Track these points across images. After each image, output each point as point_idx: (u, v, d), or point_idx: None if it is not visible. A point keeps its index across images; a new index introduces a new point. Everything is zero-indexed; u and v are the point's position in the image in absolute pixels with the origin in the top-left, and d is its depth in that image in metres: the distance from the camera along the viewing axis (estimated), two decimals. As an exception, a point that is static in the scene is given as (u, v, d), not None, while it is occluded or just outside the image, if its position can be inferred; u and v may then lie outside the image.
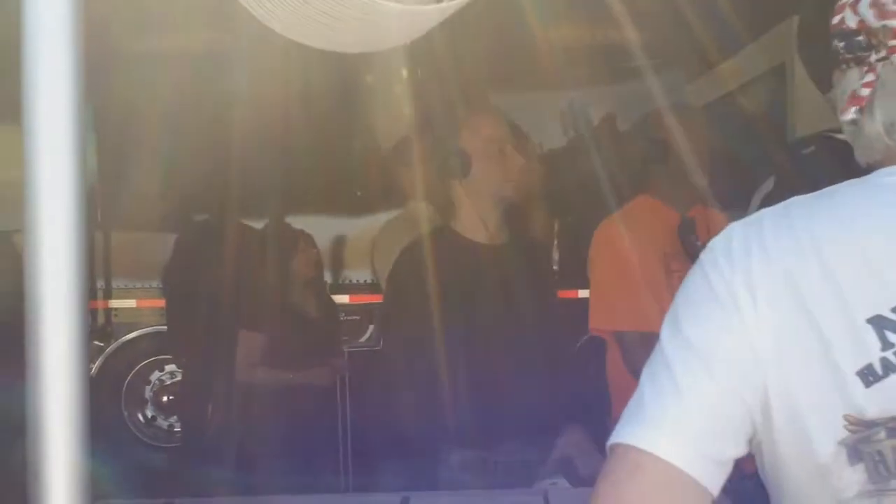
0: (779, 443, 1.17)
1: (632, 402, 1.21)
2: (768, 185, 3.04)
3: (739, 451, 1.18)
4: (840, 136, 1.82)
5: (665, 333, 1.23)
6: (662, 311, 3.05)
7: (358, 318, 6.29)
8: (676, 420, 1.16)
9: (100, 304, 6.78)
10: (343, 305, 6.28)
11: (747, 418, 1.17)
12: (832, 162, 1.81)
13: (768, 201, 1.90)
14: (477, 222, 2.91)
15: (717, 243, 1.23)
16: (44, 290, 1.07)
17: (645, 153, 3.12)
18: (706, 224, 3.08)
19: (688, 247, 3.06)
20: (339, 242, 6.99)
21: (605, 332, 3.12)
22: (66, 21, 1.09)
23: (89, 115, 5.40)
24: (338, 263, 6.99)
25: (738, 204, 3.11)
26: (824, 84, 1.95)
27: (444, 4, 1.42)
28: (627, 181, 3.23)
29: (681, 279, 3.06)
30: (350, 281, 6.85)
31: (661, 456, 1.15)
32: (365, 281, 6.55)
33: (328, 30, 1.51)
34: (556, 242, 6.32)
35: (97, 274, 6.74)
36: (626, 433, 1.18)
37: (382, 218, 5.00)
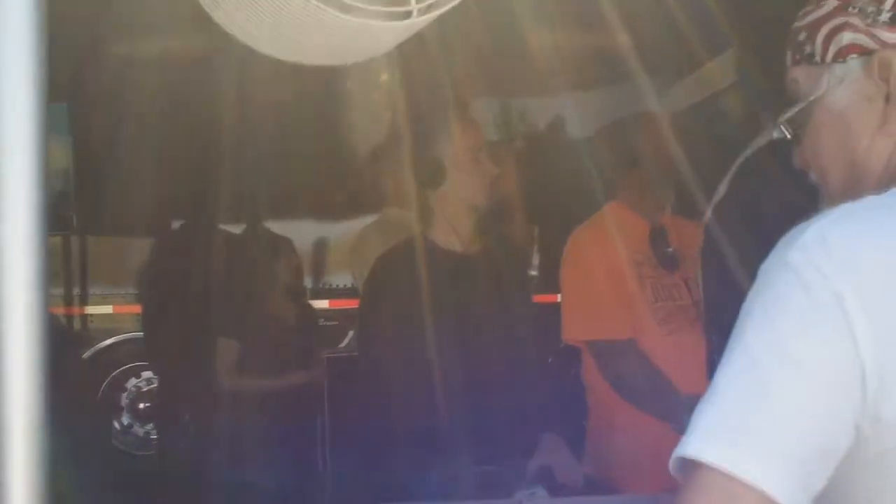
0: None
1: (708, 412, 1.03)
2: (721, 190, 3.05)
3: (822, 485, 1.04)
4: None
5: (754, 339, 1.05)
6: (635, 319, 3.08)
7: (337, 322, 6.29)
8: (776, 445, 1.00)
9: (75, 310, 6.75)
10: (323, 310, 6.28)
11: (844, 444, 1.03)
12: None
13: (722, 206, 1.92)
14: (451, 231, 2.92)
15: (808, 242, 1.06)
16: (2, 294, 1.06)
17: (614, 161, 3.13)
18: (677, 231, 3.10)
19: (659, 254, 3.08)
20: (319, 247, 6.99)
21: (579, 342, 3.13)
22: (27, 22, 1.08)
23: (65, 118, 5.39)
24: (318, 268, 6.99)
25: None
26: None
27: (411, 21, 1.42)
28: (598, 188, 3.24)
29: (653, 286, 3.10)
30: (330, 286, 6.85)
31: (763, 488, 0.98)
32: (345, 286, 6.55)
33: (295, 42, 1.52)
34: (535, 247, 6.35)
35: (73, 280, 6.71)
36: (714, 452, 1.00)
37: (362, 223, 5.00)
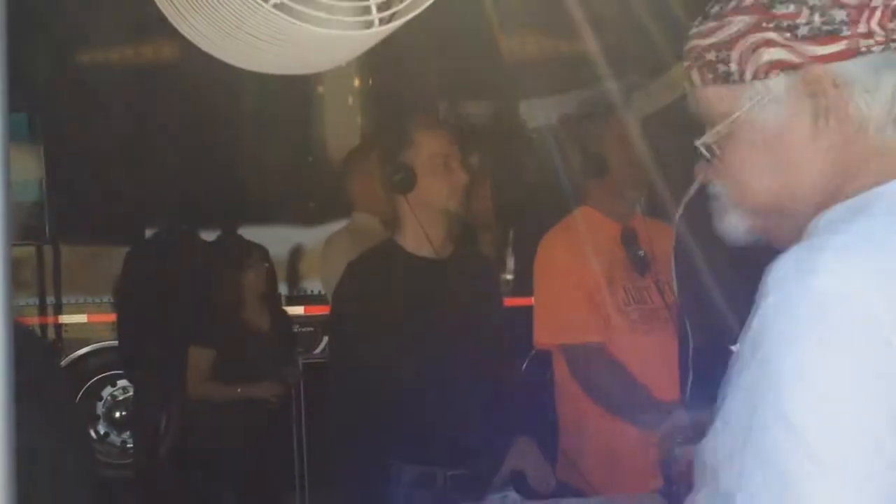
0: None
1: None
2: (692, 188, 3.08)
3: None
4: None
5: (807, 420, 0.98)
6: (607, 323, 3.07)
7: (312, 329, 6.29)
8: None
9: (49, 319, 6.72)
10: (298, 317, 6.28)
11: None
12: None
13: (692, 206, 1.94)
14: (422, 237, 2.92)
15: (866, 289, 1.01)
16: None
17: (583, 165, 3.13)
18: (648, 234, 3.11)
19: (630, 257, 3.08)
20: (293, 253, 6.98)
21: (551, 346, 3.14)
22: None
23: (37, 127, 5.36)
24: (293, 274, 6.98)
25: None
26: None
27: (374, 30, 1.43)
28: (568, 191, 3.25)
29: (625, 289, 3.11)
30: (305, 292, 6.84)
31: None
32: (320, 292, 6.55)
33: (257, 51, 1.52)
34: (509, 250, 6.37)
35: (46, 289, 6.68)
36: None
37: (336, 229, 5.00)
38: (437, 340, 2.86)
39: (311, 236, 6.51)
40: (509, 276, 6.11)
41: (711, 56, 1.21)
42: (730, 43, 1.20)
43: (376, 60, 2.02)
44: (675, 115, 4.40)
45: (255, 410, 4.53)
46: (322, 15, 1.41)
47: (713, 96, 1.23)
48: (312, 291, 6.66)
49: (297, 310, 6.36)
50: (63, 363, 6.56)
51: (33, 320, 6.70)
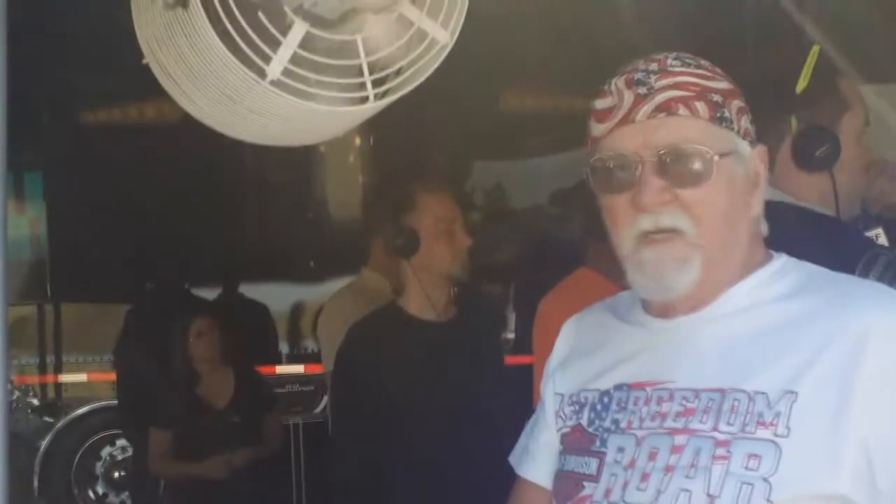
0: None
1: None
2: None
3: None
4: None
5: None
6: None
7: (312, 388, 6.27)
8: None
9: (50, 378, 6.70)
10: (297, 375, 6.26)
11: None
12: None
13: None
14: (425, 300, 2.91)
15: None
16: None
17: (583, 226, 3.13)
18: (649, 297, 3.09)
19: (631, 321, 3.07)
20: (294, 311, 6.98)
21: (551, 409, 3.11)
22: None
23: (39, 186, 5.37)
24: (293, 333, 6.97)
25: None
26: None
27: (369, 105, 1.44)
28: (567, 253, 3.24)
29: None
30: (305, 350, 6.82)
31: None
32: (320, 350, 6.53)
33: (255, 125, 1.53)
34: (509, 307, 6.36)
35: (47, 348, 6.67)
36: None
37: (335, 288, 4.99)
38: (439, 404, 2.85)
39: (312, 294, 6.51)
40: (510, 335, 6.11)
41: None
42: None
43: (377, 119, 2.04)
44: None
45: (252, 472, 4.42)
46: (318, 91, 1.43)
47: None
48: (312, 350, 6.64)
49: (296, 368, 6.35)
50: (63, 422, 6.54)
51: (33, 379, 6.69)
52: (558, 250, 3.37)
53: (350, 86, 1.45)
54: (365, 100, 1.46)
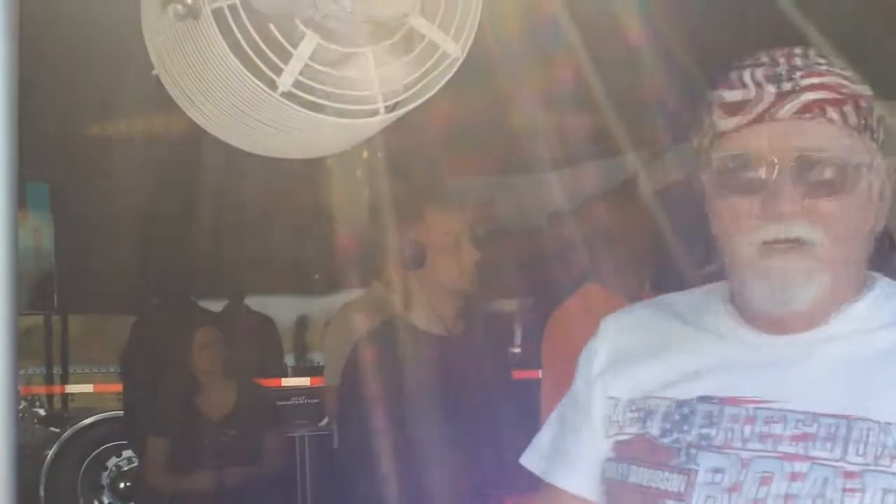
0: None
1: None
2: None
3: None
4: None
5: None
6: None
7: (318, 400, 6.25)
8: None
9: (56, 389, 6.70)
10: (303, 388, 6.24)
11: None
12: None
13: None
14: (432, 314, 2.90)
15: None
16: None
17: (591, 242, 3.12)
18: (657, 313, 3.08)
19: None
20: (299, 324, 6.98)
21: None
22: None
23: (46, 197, 5.38)
24: (299, 345, 6.97)
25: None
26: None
27: (379, 118, 1.44)
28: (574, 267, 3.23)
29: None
30: (311, 363, 6.82)
31: None
32: (326, 363, 6.52)
33: (264, 137, 1.53)
34: (517, 323, 6.35)
35: (53, 358, 6.68)
36: None
37: (340, 301, 4.99)
38: (446, 417, 2.84)
39: (317, 307, 6.51)
40: (517, 350, 6.09)
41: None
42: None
43: (385, 133, 2.04)
44: (683, 191, 4.42)
45: (258, 484, 4.38)
46: (329, 103, 1.42)
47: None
48: (318, 363, 6.64)
49: (302, 381, 6.33)
50: (69, 433, 6.54)
51: (40, 389, 6.69)
52: (565, 266, 3.36)
53: (360, 98, 1.44)
54: (375, 112, 1.45)
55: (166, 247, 5.98)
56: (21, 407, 6.37)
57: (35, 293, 6.24)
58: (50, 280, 6.37)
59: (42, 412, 6.65)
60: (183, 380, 4.28)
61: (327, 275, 6.28)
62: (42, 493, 6.31)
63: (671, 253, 3.10)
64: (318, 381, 6.34)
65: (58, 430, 6.52)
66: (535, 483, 1.48)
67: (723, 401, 1.27)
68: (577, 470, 1.40)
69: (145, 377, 5.39)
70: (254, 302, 6.72)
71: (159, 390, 4.45)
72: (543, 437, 1.50)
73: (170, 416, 4.31)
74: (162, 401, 4.44)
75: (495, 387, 3.00)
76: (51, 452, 6.41)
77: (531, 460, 1.49)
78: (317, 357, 6.71)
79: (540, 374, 3.19)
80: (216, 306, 6.60)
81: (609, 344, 1.45)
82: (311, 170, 5.97)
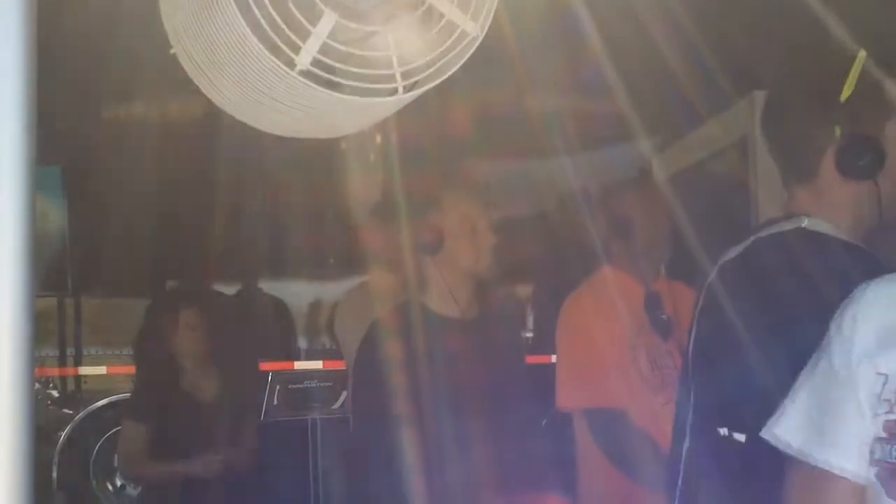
0: None
1: None
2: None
3: None
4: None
5: None
6: (630, 388, 3.04)
7: (331, 384, 6.26)
8: None
9: (69, 371, 6.72)
10: (316, 371, 6.25)
11: None
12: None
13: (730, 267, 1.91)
14: (448, 297, 2.90)
15: None
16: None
17: (607, 226, 3.12)
18: (672, 297, 3.08)
19: (654, 321, 3.05)
20: (312, 308, 6.97)
21: (573, 410, 3.10)
22: (15, 84, 1.07)
23: (59, 180, 5.38)
24: (312, 329, 6.97)
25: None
26: (785, 158, 1.98)
27: (397, 97, 1.43)
28: (591, 252, 3.23)
29: (647, 354, 3.07)
30: (324, 347, 6.82)
31: None
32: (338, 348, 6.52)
33: (281, 116, 1.52)
34: (531, 308, 6.34)
35: (67, 341, 6.69)
36: None
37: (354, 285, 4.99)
38: (460, 400, 2.84)
39: (330, 291, 6.50)
40: (529, 335, 6.09)
41: None
42: None
43: (400, 118, 2.03)
44: (700, 174, 4.40)
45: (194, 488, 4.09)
46: (347, 82, 1.41)
47: None
48: (331, 346, 6.64)
49: (315, 364, 6.34)
50: (82, 414, 6.55)
51: (53, 371, 6.71)
52: (581, 250, 3.35)
53: (379, 77, 1.43)
54: (393, 91, 1.44)
55: (181, 230, 5.98)
56: (35, 389, 6.39)
57: (49, 275, 6.25)
58: (64, 263, 6.38)
59: (55, 394, 6.67)
60: (166, 363, 4.19)
61: (341, 259, 6.28)
62: (55, 474, 6.33)
63: (685, 238, 3.09)
64: (331, 365, 6.36)
65: (71, 412, 6.54)
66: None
67: None
68: (841, 449, 1.34)
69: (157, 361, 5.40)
70: (267, 285, 6.73)
71: (143, 374, 4.33)
72: (792, 414, 1.42)
73: (150, 399, 4.17)
74: (140, 383, 4.36)
75: (509, 370, 3.00)
76: (64, 434, 6.43)
77: (780, 437, 1.42)
78: (329, 341, 6.71)
79: (553, 358, 3.19)
80: (230, 290, 6.62)
81: (875, 317, 1.38)
82: (327, 154, 5.96)
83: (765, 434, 1.43)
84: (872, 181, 1.84)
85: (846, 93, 1.82)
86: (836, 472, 1.34)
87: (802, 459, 1.38)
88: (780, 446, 1.41)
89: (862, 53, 1.85)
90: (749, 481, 1.74)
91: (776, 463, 1.65)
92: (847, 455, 1.33)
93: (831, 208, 1.88)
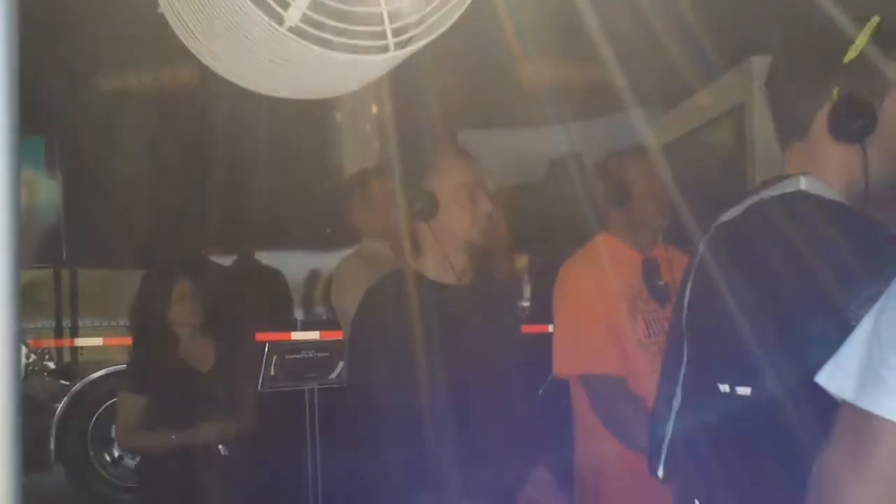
0: None
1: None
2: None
3: None
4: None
5: None
6: (627, 355, 3.03)
7: (328, 354, 6.26)
8: None
9: (65, 342, 6.71)
10: (313, 342, 6.24)
11: None
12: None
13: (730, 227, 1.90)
14: (444, 264, 2.89)
15: None
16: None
17: (605, 194, 3.10)
18: (669, 264, 3.07)
19: (651, 288, 3.04)
20: (309, 278, 6.97)
21: (570, 376, 3.09)
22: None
23: (55, 151, 5.34)
24: (308, 299, 6.96)
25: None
26: (785, 124, 1.96)
27: (389, 55, 1.40)
28: (588, 218, 3.21)
29: (646, 321, 3.06)
30: (321, 317, 6.81)
31: None
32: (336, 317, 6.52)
33: (271, 75, 1.50)
34: (526, 276, 6.33)
35: (63, 312, 6.69)
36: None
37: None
38: (456, 367, 2.83)
39: (328, 261, 6.49)
40: (526, 303, 6.09)
41: None
42: None
43: (394, 86, 2.01)
44: (696, 142, 4.38)
45: (192, 456, 4.09)
46: (337, 39, 1.39)
47: None
48: (328, 317, 6.63)
49: (312, 335, 6.34)
50: (78, 386, 6.56)
51: (49, 343, 6.70)
52: (577, 218, 3.34)
53: (370, 34, 1.41)
54: (385, 49, 1.42)
55: (176, 200, 5.96)
56: (31, 360, 6.39)
57: (44, 246, 6.24)
58: (59, 233, 6.37)
59: (52, 365, 6.67)
60: (160, 333, 4.17)
61: (338, 229, 6.27)
62: (52, 445, 6.34)
63: (681, 206, 3.07)
64: (328, 335, 6.36)
65: (67, 384, 6.54)
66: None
67: None
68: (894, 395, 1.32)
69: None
70: (264, 256, 6.72)
71: (139, 344, 4.29)
72: (848, 359, 1.39)
73: (145, 370, 4.16)
74: (135, 354, 4.31)
75: (505, 337, 2.99)
76: (61, 405, 6.44)
77: (833, 383, 1.40)
78: (326, 311, 6.71)
79: (550, 328, 3.18)
80: (227, 260, 6.62)
81: None
82: (323, 124, 5.94)
83: (819, 379, 1.41)
84: (860, 146, 1.83)
85: (850, 55, 1.81)
86: (891, 418, 1.32)
87: (856, 405, 1.36)
88: (834, 390, 1.39)
89: (876, 19, 1.83)
90: (755, 435, 1.74)
91: (784, 415, 1.64)
92: None
93: (823, 169, 1.87)
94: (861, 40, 1.81)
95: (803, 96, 1.89)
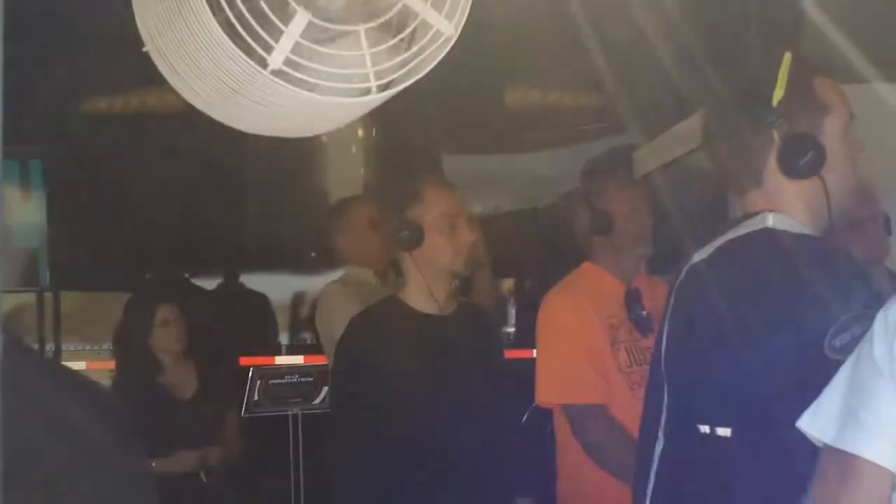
0: None
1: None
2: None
3: None
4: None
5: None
6: (609, 384, 3.04)
7: (312, 379, 6.24)
8: None
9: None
10: (298, 366, 6.23)
11: None
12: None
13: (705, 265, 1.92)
14: (426, 294, 2.90)
15: None
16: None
17: (589, 222, 3.12)
18: (652, 293, 3.08)
19: (633, 317, 3.06)
20: (294, 302, 6.97)
21: (553, 406, 3.10)
22: None
23: (39, 174, 5.32)
24: (293, 324, 6.96)
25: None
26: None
27: (371, 97, 1.42)
28: (571, 249, 3.23)
29: (628, 350, 3.08)
30: (305, 341, 6.81)
31: None
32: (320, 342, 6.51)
33: (256, 115, 1.51)
34: (511, 301, 6.34)
35: (46, 336, 6.65)
36: None
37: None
38: (439, 395, 2.84)
39: (313, 285, 6.49)
40: (510, 329, 6.10)
41: None
42: None
43: (380, 111, 2.02)
44: (679, 171, 4.40)
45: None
46: (320, 82, 1.40)
47: None
48: (312, 341, 6.63)
49: (296, 359, 6.33)
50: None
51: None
52: (561, 246, 3.35)
53: (352, 77, 1.42)
54: (367, 91, 1.43)
55: (161, 224, 5.95)
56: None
57: (27, 270, 6.21)
58: (42, 257, 6.34)
59: (35, 389, 6.63)
60: (144, 358, 4.15)
61: (323, 253, 6.27)
62: (35, 469, 6.30)
63: (666, 234, 3.09)
64: (312, 360, 6.35)
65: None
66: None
67: None
68: (877, 437, 1.36)
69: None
70: (248, 279, 6.71)
71: (122, 369, 4.26)
72: (828, 404, 1.43)
73: (132, 396, 4.06)
74: (120, 380, 4.27)
75: (488, 366, 3.00)
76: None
77: (814, 427, 1.43)
78: (311, 335, 6.70)
79: (533, 353, 3.19)
80: (210, 284, 6.61)
81: None
82: (309, 148, 5.95)
83: (800, 424, 1.44)
84: (817, 177, 1.85)
85: (778, 94, 1.85)
86: (870, 458, 1.36)
87: (836, 447, 1.39)
88: (815, 433, 1.43)
89: (788, 55, 1.87)
90: (736, 476, 1.75)
91: (764, 455, 1.66)
92: (879, 442, 1.35)
93: (789, 207, 1.90)
94: (782, 79, 1.85)
95: (747, 150, 1.92)
